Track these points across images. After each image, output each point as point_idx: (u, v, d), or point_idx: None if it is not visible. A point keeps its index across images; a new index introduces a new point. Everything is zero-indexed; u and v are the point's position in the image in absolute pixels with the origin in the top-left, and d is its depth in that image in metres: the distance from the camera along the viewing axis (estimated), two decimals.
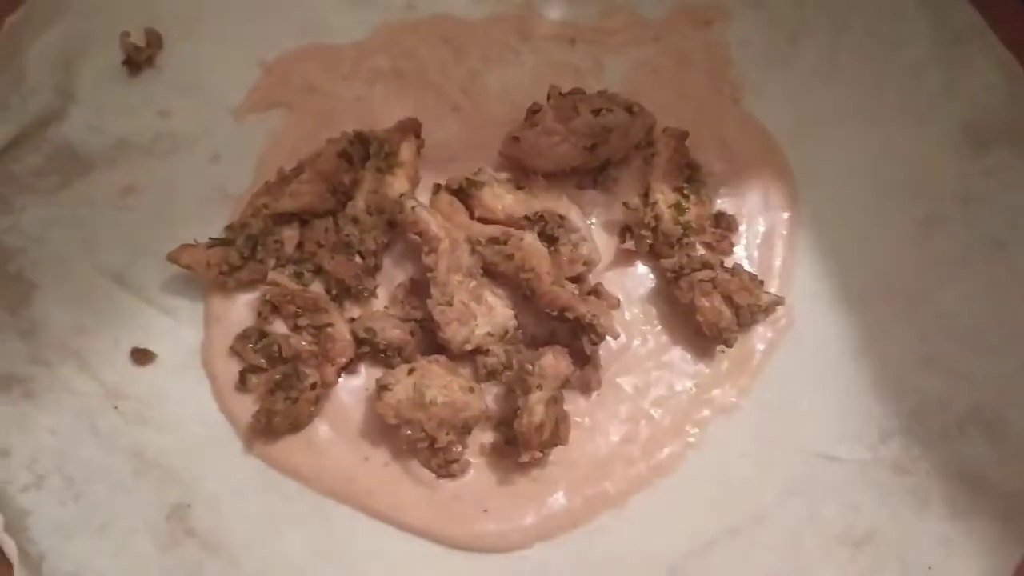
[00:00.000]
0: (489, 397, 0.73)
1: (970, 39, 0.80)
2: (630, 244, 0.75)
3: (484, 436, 0.73)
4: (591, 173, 0.78)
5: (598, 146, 0.75)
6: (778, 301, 0.73)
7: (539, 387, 0.68)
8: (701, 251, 0.75)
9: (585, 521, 0.71)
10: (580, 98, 0.76)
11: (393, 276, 0.76)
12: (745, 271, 0.73)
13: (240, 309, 0.75)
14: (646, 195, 0.75)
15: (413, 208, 0.71)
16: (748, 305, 0.71)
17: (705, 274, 0.72)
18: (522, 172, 0.77)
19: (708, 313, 0.71)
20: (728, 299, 0.71)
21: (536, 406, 0.67)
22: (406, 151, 0.75)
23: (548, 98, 0.76)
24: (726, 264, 0.74)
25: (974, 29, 0.80)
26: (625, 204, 0.75)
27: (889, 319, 0.74)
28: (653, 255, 0.76)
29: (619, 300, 0.75)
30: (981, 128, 0.78)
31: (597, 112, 0.75)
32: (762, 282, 0.73)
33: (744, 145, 0.79)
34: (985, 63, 0.79)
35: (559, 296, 0.70)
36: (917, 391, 0.72)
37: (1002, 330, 0.73)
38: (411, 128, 0.76)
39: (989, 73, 0.79)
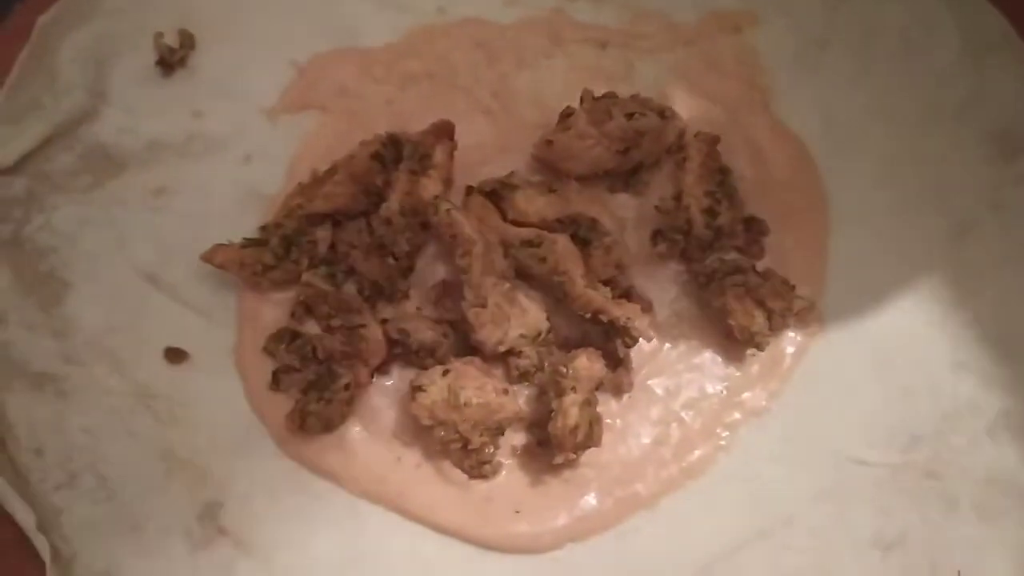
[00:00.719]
0: (521, 399, 0.73)
1: (1000, 47, 0.80)
2: (662, 247, 0.75)
3: (516, 437, 0.73)
4: (623, 176, 0.78)
5: (631, 150, 0.76)
6: (810, 306, 0.73)
7: (573, 389, 0.68)
8: (733, 255, 0.75)
9: (616, 523, 0.71)
10: (613, 102, 0.77)
11: (426, 278, 0.76)
12: (777, 275, 0.73)
13: (273, 309, 0.75)
14: (678, 199, 0.76)
15: (448, 211, 0.72)
16: (780, 309, 0.72)
17: (737, 278, 0.72)
18: (555, 175, 0.77)
19: (740, 317, 0.71)
20: (760, 303, 0.71)
21: (571, 408, 0.67)
22: (440, 153, 0.75)
23: (581, 102, 0.76)
24: (757, 268, 0.74)
25: (1004, 37, 0.80)
26: (657, 208, 0.76)
27: (920, 325, 0.75)
28: (685, 258, 0.76)
29: (651, 303, 0.75)
30: (1011, 136, 0.78)
31: (630, 116, 0.75)
32: (794, 287, 0.73)
33: (774, 150, 0.79)
34: (1015, 71, 0.79)
35: (593, 299, 0.70)
36: (948, 396, 0.73)
37: None
38: (445, 130, 0.76)
39: (1019, 81, 0.79)
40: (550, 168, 0.77)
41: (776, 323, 0.72)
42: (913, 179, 0.78)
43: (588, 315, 0.71)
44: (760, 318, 0.71)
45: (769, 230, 0.77)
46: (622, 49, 0.83)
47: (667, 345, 0.75)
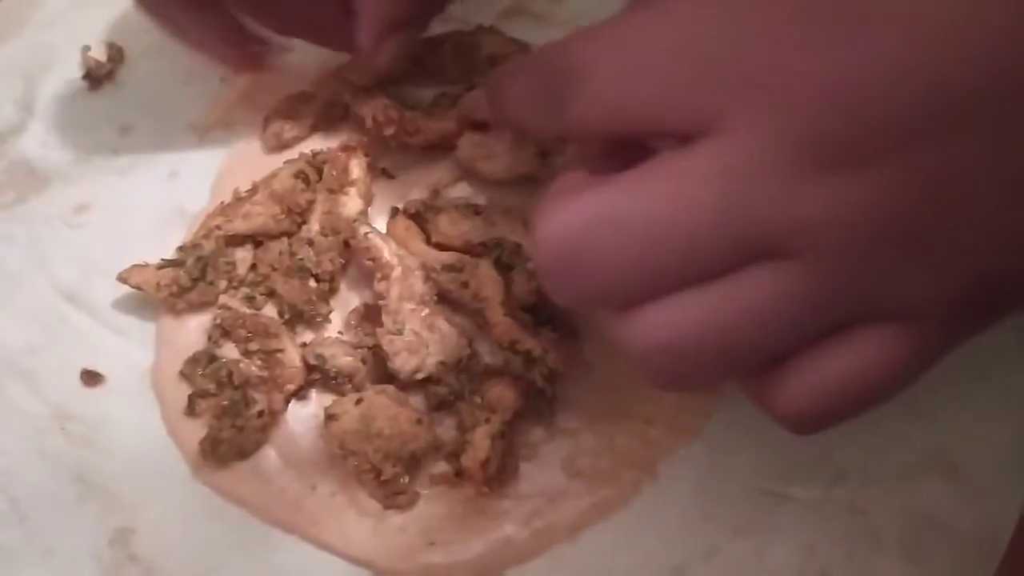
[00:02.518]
0: (442, 428, 0.71)
1: None
2: None
3: (436, 467, 0.71)
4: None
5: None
6: None
7: (487, 420, 0.67)
8: None
9: (533, 556, 0.69)
10: None
11: (349, 300, 0.75)
12: None
13: (192, 332, 0.74)
14: None
15: (366, 234, 0.70)
16: None
17: None
18: (474, 179, 0.76)
19: None
20: None
21: (482, 441, 0.66)
22: (356, 169, 0.74)
23: None
24: None
25: None
26: None
27: None
28: None
29: (576, 330, 0.73)
30: None
31: None
32: None
33: None
34: None
35: (509, 329, 0.68)
36: (876, 430, 0.70)
37: (967, 370, 0.71)
38: (357, 146, 0.75)
39: None
40: (469, 170, 0.75)
41: None
42: None
43: (506, 344, 0.69)
44: None
45: None
46: None
47: (592, 374, 0.73)
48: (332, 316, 0.74)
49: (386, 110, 0.74)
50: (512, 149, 0.74)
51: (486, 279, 0.70)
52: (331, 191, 0.73)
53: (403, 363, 0.69)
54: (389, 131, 0.74)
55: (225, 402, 0.70)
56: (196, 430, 0.71)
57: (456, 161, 0.76)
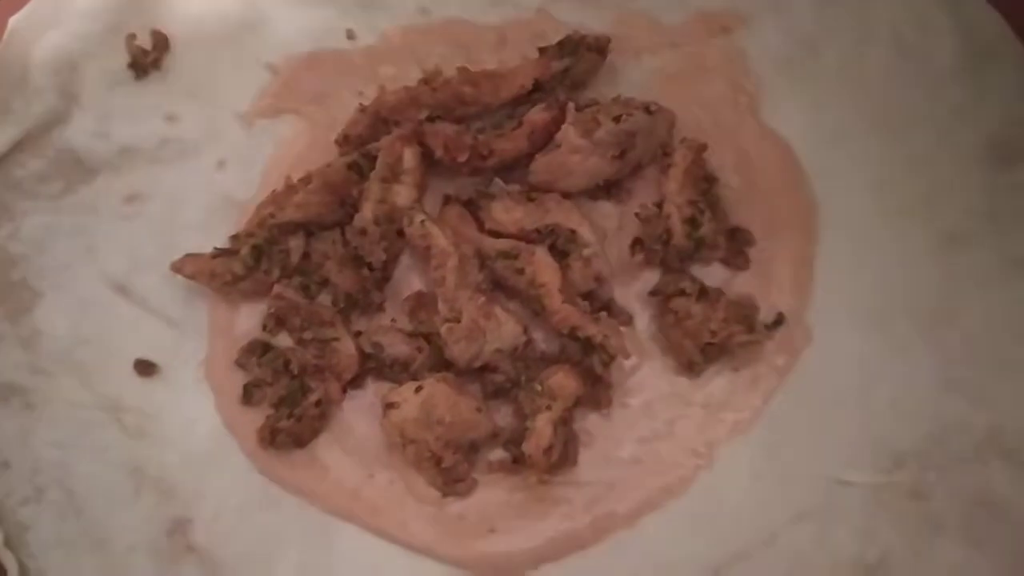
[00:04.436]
0: (499, 414, 0.71)
1: (998, 50, 0.77)
2: (640, 257, 0.73)
3: (493, 454, 0.71)
4: (607, 183, 0.76)
5: (626, 152, 0.73)
6: (756, 340, 0.71)
7: (548, 407, 0.67)
8: (687, 281, 0.73)
9: (593, 543, 0.69)
10: (597, 109, 0.74)
11: (401, 288, 0.75)
12: (725, 304, 0.71)
13: (245, 321, 0.74)
14: (660, 206, 0.73)
15: (422, 222, 0.70)
16: (720, 341, 0.70)
17: (677, 302, 0.70)
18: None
19: (673, 343, 0.71)
20: (691, 335, 0.70)
21: (544, 428, 0.66)
22: (410, 158, 0.73)
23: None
24: (722, 287, 0.73)
25: (1002, 39, 0.77)
26: (637, 215, 0.73)
27: (909, 340, 0.72)
28: (665, 268, 0.74)
29: (631, 316, 0.73)
30: (1008, 142, 0.75)
31: (617, 119, 0.73)
32: (749, 313, 0.72)
33: (762, 158, 0.77)
34: (1013, 75, 0.76)
35: (569, 315, 0.68)
36: (935, 414, 0.70)
37: None
38: (411, 135, 0.74)
39: (1017, 86, 0.76)
40: (550, 190, 0.74)
41: (710, 355, 0.71)
42: (904, 187, 0.76)
43: (565, 331, 0.69)
44: (689, 347, 0.70)
45: (754, 241, 0.75)
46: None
47: (648, 360, 0.73)
48: (385, 304, 0.74)
49: (458, 136, 0.73)
50: (588, 159, 0.73)
51: (542, 266, 0.70)
52: (384, 180, 0.72)
53: (461, 352, 0.68)
54: (463, 157, 0.73)
55: (283, 391, 0.70)
56: (252, 419, 0.71)
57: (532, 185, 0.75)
